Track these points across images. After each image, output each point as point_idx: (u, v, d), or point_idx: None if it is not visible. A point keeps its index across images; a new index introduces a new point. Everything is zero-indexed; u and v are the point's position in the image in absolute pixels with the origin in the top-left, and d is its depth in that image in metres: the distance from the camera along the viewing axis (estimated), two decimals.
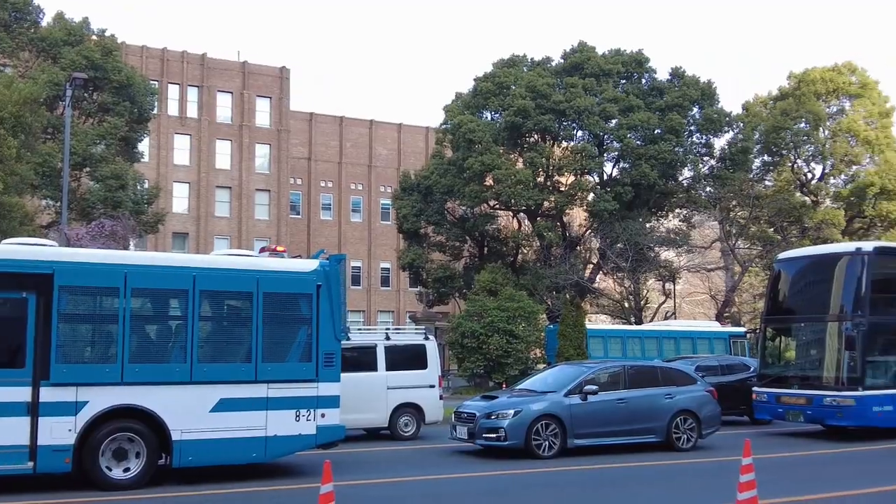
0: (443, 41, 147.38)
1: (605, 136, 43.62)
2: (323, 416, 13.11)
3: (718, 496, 11.40)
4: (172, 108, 57.97)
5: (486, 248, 46.25)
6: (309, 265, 13.68)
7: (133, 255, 12.90)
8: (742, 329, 36.86)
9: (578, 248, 46.38)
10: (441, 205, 44.95)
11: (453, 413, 16.85)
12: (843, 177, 53.01)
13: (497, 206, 44.52)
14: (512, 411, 15.73)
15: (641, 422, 16.51)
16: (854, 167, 52.15)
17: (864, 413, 18.43)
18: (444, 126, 45.18)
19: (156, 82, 54.46)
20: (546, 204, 43.76)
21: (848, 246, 21.20)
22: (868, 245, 19.97)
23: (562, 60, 45.44)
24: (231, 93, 59.98)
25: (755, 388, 20.75)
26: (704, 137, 45.60)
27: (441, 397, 19.75)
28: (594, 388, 16.20)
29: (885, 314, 19.29)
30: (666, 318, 47.78)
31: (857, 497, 11.67)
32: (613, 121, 43.19)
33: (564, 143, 44.65)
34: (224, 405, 12.53)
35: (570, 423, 15.80)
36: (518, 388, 17.53)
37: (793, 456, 16.34)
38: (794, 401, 19.47)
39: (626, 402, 16.49)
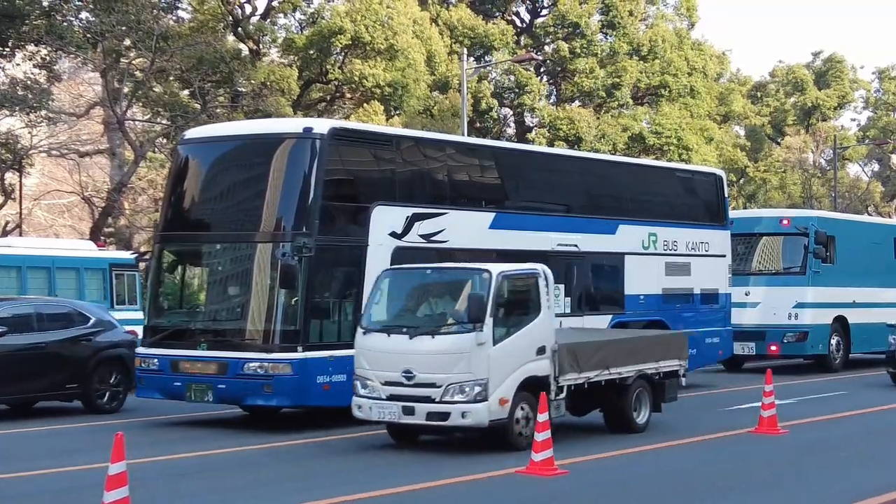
0: None
1: None
2: None
3: None
4: None
5: None
6: None
7: None
8: (131, 255, 37.73)
9: None
10: None
11: None
12: (298, 15, 56.37)
13: None
14: None
15: None
16: (317, 2, 55.77)
17: (305, 386, 20.04)
18: None
19: None
20: None
21: (292, 124, 22.77)
22: (322, 125, 21.54)
23: None
24: None
25: (140, 350, 21.62)
26: None
27: None
28: None
29: (343, 233, 21.22)
30: (5, 232, 47.52)
31: None
32: None
33: None
34: None
35: None
36: None
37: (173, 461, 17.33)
38: (199, 369, 20.59)
39: None
